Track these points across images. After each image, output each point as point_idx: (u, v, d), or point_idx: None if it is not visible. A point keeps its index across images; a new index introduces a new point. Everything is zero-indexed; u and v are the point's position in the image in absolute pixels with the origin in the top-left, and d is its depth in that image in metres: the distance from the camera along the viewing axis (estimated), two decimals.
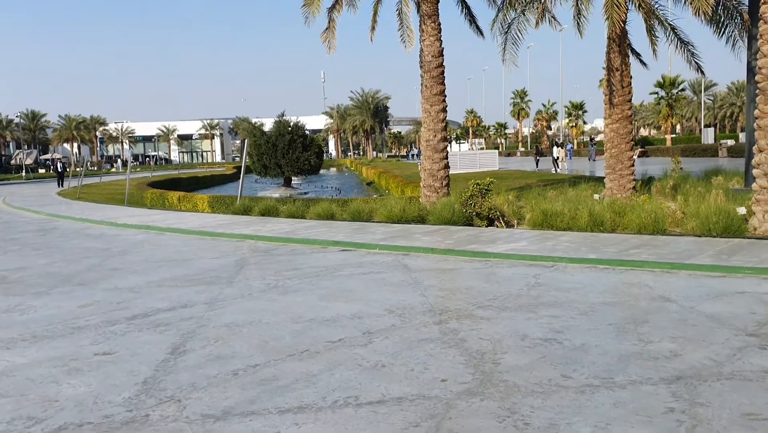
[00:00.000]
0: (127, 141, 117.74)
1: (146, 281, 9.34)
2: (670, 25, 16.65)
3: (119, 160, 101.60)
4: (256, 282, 8.97)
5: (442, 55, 16.40)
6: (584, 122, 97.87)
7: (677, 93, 66.09)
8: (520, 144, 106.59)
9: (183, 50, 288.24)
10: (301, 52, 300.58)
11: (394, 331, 6.29)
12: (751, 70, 15.63)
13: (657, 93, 66.16)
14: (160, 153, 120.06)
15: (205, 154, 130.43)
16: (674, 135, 72.09)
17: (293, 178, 38.05)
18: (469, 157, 41.90)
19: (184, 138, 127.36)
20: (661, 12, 16.65)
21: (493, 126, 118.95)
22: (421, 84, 16.57)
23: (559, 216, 12.34)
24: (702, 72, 17.18)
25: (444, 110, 16.59)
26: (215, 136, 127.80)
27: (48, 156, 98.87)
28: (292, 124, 35.89)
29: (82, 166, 44.72)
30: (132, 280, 9.50)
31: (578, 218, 12.18)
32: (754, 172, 11.38)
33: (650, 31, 15.98)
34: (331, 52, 16.73)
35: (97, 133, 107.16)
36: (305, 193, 34.23)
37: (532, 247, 10.34)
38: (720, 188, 15.17)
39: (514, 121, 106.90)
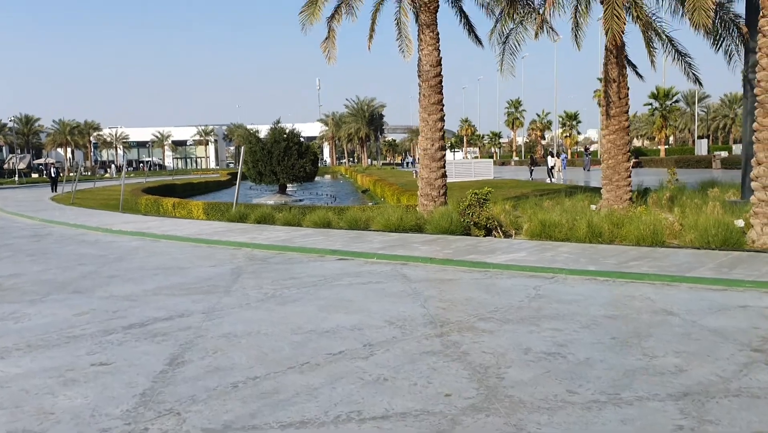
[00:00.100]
0: (121, 146, 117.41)
1: (142, 289, 9.23)
2: (667, 36, 16.69)
3: (113, 166, 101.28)
4: (253, 291, 8.88)
5: (441, 65, 16.38)
6: (578, 132, 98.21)
7: (671, 104, 66.38)
8: (514, 153, 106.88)
9: (178, 56, 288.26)
10: (296, 59, 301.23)
11: (395, 343, 6.21)
12: (748, 83, 15.68)
13: (651, 104, 66.48)
14: (154, 159, 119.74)
15: (199, 160, 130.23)
16: (667, 146, 72.38)
17: (288, 185, 38.00)
18: (464, 166, 41.95)
19: (178, 144, 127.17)
20: (658, 24, 16.69)
21: (488, 135, 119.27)
22: (419, 93, 16.54)
23: (558, 227, 12.31)
24: (700, 84, 17.24)
25: (442, 119, 16.57)
26: (210, 143, 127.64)
27: (41, 161, 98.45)
28: (287, 131, 35.86)
29: (76, 172, 44.52)
30: (128, 288, 9.39)
31: (576, 228, 12.15)
32: (753, 185, 11.37)
33: (648, 43, 16.02)
34: (331, 62, 16.63)
35: (91, 139, 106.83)
36: (300, 200, 34.17)
37: (531, 258, 10.29)
38: (716, 200, 15.16)
39: (509, 130, 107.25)
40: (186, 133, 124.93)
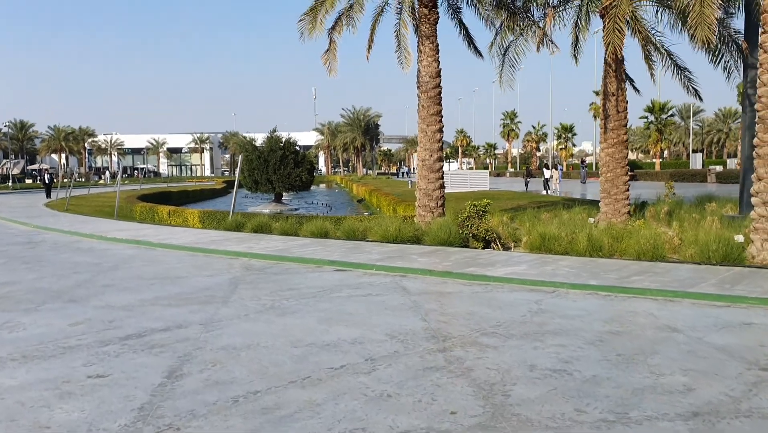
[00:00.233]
0: (115, 153, 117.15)
1: (139, 299, 9.11)
2: (666, 51, 16.74)
3: (107, 172, 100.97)
4: (251, 302, 8.78)
5: (440, 76, 16.37)
6: (573, 145, 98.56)
7: (666, 118, 66.70)
8: (509, 165, 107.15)
9: (174, 63, 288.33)
10: (293, 68, 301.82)
11: (397, 358, 6.12)
12: (747, 98, 15.72)
13: (646, 117, 66.77)
14: (149, 166, 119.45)
15: (194, 167, 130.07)
16: (661, 160, 72.67)
17: (284, 194, 37.91)
18: (460, 177, 41.97)
19: (173, 151, 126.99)
20: (657, 38, 16.74)
21: (483, 146, 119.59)
22: (418, 104, 16.51)
23: (557, 240, 12.25)
24: (700, 98, 17.27)
25: (440, 130, 16.54)
26: (205, 150, 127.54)
27: (35, 166, 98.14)
28: (284, 140, 35.83)
29: (70, 178, 44.30)
30: (124, 297, 9.27)
31: (576, 242, 12.09)
32: (753, 200, 11.35)
33: (647, 57, 16.04)
34: (332, 74, 16.52)
35: (86, 145, 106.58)
36: (296, 209, 34.07)
37: (531, 271, 10.22)
38: (714, 215, 15.15)
39: (504, 141, 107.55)
40: (181, 140, 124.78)
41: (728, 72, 16.08)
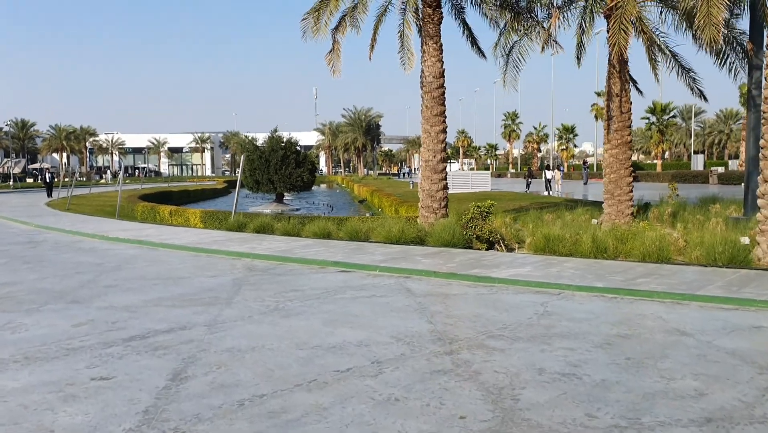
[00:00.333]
0: (116, 152, 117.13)
1: (142, 300, 9.05)
2: (671, 51, 16.67)
3: (108, 172, 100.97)
4: (255, 304, 8.71)
5: (443, 76, 16.29)
6: (575, 146, 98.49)
7: (668, 119, 66.61)
8: (510, 165, 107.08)
9: (175, 63, 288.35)
10: (294, 68, 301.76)
11: (404, 361, 6.05)
12: (752, 99, 15.66)
13: (648, 118, 66.67)
14: (150, 165, 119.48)
15: (195, 167, 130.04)
16: (663, 161, 72.58)
17: (285, 194, 37.84)
18: (461, 178, 41.89)
19: (174, 151, 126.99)
20: (661, 39, 16.68)
21: (484, 147, 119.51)
22: (422, 104, 16.43)
23: (561, 241, 12.18)
24: (705, 99, 17.20)
25: (444, 131, 16.47)
26: (206, 150, 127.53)
27: (36, 165, 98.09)
28: (285, 140, 35.75)
29: (71, 177, 44.27)
30: (127, 298, 9.20)
31: (580, 243, 12.03)
32: (759, 202, 11.28)
33: (652, 58, 15.98)
34: (336, 75, 16.43)
35: (87, 144, 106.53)
36: (297, 209, 34.02)
37: (536, 273, 10.15)
38: (719, 216, 15.08)
39: (505, 142, 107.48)
40: (182, 140, 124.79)
41: (735, 73, 16.00)
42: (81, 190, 47.37)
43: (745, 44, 15.31)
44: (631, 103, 15.82)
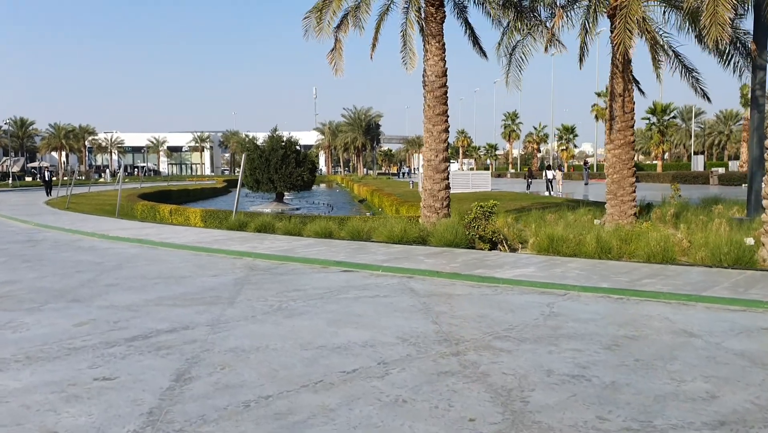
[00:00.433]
0: (116, 151, 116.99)
1: (143, 299, 8.97)
2: (674, 52, 16.61)
3: (107, 171, 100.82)
4: (258, 303, 8.64)
5: (446, 75, 16.21)
6: (575, 146, 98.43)
7: (668, 120, 66.58)
8: (510, 165, 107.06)
9: (174, 62, 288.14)
10: (293, 67, 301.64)
11: (410, 362, 5.98)
12: (755, 99, 15.60)
13: (649, 119, 66.64)
14: (149, 164, 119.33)
15: (194, 166, 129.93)
16: (663, 161, 72.55)
17: (285, 193, 37.76)
18: (461, 178, 41.85)
19: (173, 150, 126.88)
20: (665, 39, 16.62)
21: (484, 147, 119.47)
22: (424, 104, 16.35)
23: (565, 241, 12.11)
24: (708, 99, 17.14)
25: (446, 130, 16.39)
26: (205, 149, 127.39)
27: (35, 164, 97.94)
28: (285, 139, 35.67)
29: (70, 176, 44.16)
30: (128, 297, 9.13)
31: (584, 243, 11.96)
32: (765, 203, 11.21)
33: (655, 58, 15.92)
34: (338, 74, 16.31)
35: (86, 143, 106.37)
36: (297, 209, 33.94)
37: (541, 273, 10.08)
38: (722, 217, 15.03)
39: (505, 142, 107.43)
40: (181, 139, 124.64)
41: (739, 72, 15.93)
42: (80, 189, 47.24)
43: (749, 45, 15.24)
44: (634, 103, 15.77)
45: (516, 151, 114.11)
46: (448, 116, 16.37)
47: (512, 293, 9.12)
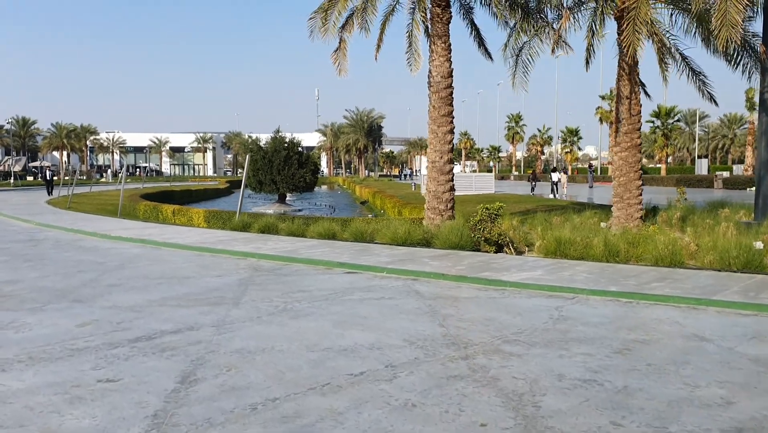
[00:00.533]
0: (117, 151, 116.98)
1: (147, 300, 8.88)
2: (681, 55, 16.52)
3: (109, 170, 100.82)
4: (263, 304, 8.55)
5: (452, 76, 16.13)
6: (579, 148, 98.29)
7: (672, 123, 66.46)
8: (514, 168, 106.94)
9: (177, 63, 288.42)
10: (296, 69, 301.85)
11: (418, 365, 5.89)
12: (763, 103, 15.49)
13: (653, 122, 66.54)
14: (151, 165, 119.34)
15: (197, 167, 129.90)
16: (666, 165, 72.44)
17: (287, 194, 37.67)
18: (465, 180, 41.70)
19: (176, 150, 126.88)
20: (672, 42, 16.52)
21: (487, 149, 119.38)
22: (429, 105, 16.26)
23: (572, 244, 12.01)
24: (715, 103, 17.02)
25: (451, 132, 16.30)
26: (208, 150, 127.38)
27: (37, 164, 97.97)
28: (288, 140, 35.59)
29: (72, 175, 44.13)
30: (131, 297, 9.04)
31: (591, 246, 11.86)
32: None
33: (662, 60, 15.82)
34: (342, 74, 16.22)
35: (88, 143, 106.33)
36: (300, 210, 33.84)
37: (548, 276, 9.98)
38: (729, 221, 14.91)
39: (508, 144, 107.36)
40: (184, 139, 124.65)
41: (749, 76, 15.80)
42: (81, 189, 47.21)
43: (758, 47, 15.13)
44: (640, 106, 15.67)
45: (519, 154, 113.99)
46: (453, 117, 16.28)
47: (520, 296, 9.02)
